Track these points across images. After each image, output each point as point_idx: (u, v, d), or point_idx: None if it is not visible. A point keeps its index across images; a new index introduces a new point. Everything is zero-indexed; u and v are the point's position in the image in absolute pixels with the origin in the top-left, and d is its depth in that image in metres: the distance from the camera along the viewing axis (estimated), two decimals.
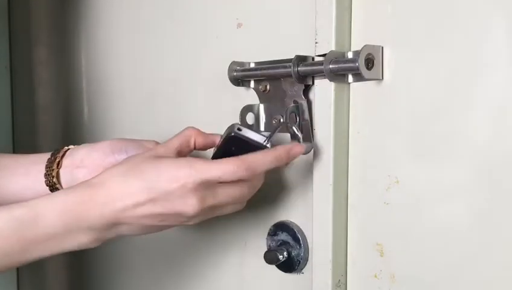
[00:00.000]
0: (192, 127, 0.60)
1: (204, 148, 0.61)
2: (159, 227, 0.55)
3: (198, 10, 0.75)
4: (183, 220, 0.54)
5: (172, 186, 0.51)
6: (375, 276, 0.57)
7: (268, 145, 0.56)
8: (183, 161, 0.53)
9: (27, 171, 0.64)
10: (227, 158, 0.53)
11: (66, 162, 0.64)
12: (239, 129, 0.56)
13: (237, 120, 0.67)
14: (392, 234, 0.56)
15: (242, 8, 0.69)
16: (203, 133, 0.61)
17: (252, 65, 0.66)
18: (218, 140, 0.59)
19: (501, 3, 0.47)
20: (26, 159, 0.66)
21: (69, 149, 0.65)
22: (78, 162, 0.63)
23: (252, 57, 0.67)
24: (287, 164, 0.59)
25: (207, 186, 0.52)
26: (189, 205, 0.52)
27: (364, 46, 0.53)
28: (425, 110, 0.53)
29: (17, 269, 1.07)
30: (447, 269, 0.52)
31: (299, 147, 0.56)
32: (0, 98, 1.07)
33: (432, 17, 0.52)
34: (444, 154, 0.51)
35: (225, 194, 0.54)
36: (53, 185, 0.63)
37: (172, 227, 0.56)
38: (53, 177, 0.63)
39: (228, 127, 0.58)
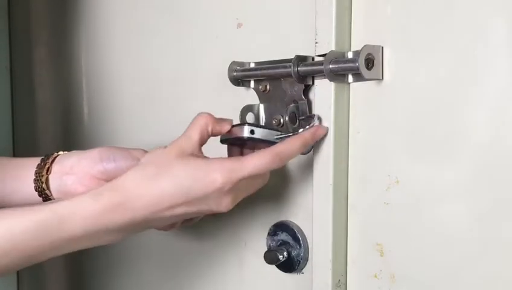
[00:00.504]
0: (207, 114, 0.60)
1: (219, 134, 0.61)
2: (189, 217, 0.57)
3: (198, 10, 0.75)
4: (215, 211, 0.55)
5: (208, 190, 0.52)
6: (375, 276, 0.57)
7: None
8: (216, 163, 0.53)
9: (16, 175, 0.64)
10: (257, 152, 0.54)
11: (55, 168, 0.64)
12: (252, 132, 0.58)
13: (237, 120, 0.67)
14: (392, 234, 0.56)
15: (242, 8, 0.69)
16: (218, 120, 0.60)
17: (252, 65, 0.66)
18: (229, 125, 0.60)
19: (501, 3, 0.47)
20: (16, 162, 0.66)
21: (58, 155, 0.65)
22: (68, 169, 0.63)
23: (252, 57, 0.67)
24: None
25: (241, 183, 0.53)
26: (224, 205, 0.54)
27: (364, 46, 0.53)
28: (425, 110, 0.53)
29: None
30: (447, 269, 0.52)
31: (322, 129, 0.57)
32: (0, 98, 1.07)
33: (431, 17, 0.52)
34: (444, 154, 0.51)
35: (255, 184, 0.57)
36: (42, 191, 0.63)
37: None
38: (42, 182, 0.63)
39: (239, 124, 0.59)
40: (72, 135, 0.97)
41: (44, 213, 0.51)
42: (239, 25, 0.70)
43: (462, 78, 0.50)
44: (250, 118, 0.67)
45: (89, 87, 0.95)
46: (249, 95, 0.68)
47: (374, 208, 0.57)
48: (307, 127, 0.57)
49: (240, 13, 0.69)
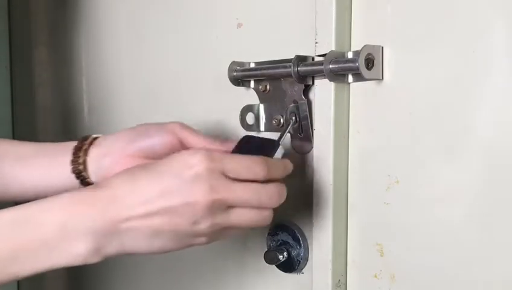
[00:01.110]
0: (179, 125, 0.57)
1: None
2: (167, 236, 0.49)
3: (198, 10, 0.75)
4: (194, 220, 0.47)
5: (182, 172, 0.47)
6: (375, 276, 0.57)
7: (281, 142, 0.55)
8: (199, 149, 0.49)
9: (49, 160, 0.62)
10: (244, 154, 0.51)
11: (93, 150, 0.61)
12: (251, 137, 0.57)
13: (237, 120, 0.67)
14: (392, 234, 0.56)
15: (242, 8, 0.69)
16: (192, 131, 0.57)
17: (252, 65, 0.66)
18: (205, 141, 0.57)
19: (501, 2, 0.47)
20: (48, 147, 0.64)
21: (97, 138, 0.62)
22: (106, 150, 0.60)
23: (252, 57, 0.67)
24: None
25: (220, 176, 0.48)
26: (198, 193, 0.47)
27: (364, 46, 0.53)
28: (425, 110, 0.53)
29: None
30: (447, 269, 0.52)
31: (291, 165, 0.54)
32: (0, 98, 1.07)
33: (431, 17, 0.52)
34: (444, 155, 0.51)
35: (242, 188, 0.48)
36: (79, 173, 0.60)
37: (184, 241, 0.50)
38: (80, 164, 0.60)
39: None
40: (72, 135, 0.97)
41: (16, 210, 0.47)
42: (239, 25, 0.70)
43: (462, 78, 0.50)
44: (250, 118, 0.67)
45: (89, 87, 0.95)
46: (249, 95, 0.68)
47: (374, 208, 0.57)
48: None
49: (240, 13, 0.69)
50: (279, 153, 0.55)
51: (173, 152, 0.54)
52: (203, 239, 0.50)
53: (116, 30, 0.89)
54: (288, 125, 0.60)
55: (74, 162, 0.60)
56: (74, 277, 1.03)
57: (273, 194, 0.50)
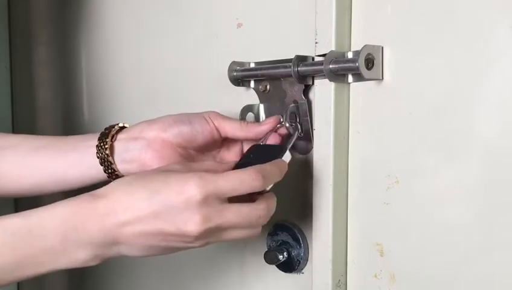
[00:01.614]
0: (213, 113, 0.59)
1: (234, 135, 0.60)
2: (161, 249, 0.50)
3: (199, 10, 0.75)
4: (186, 241, 0.49)
5: (176, 199, 0.47)
6: (375, 276, 0.57)
7: (288, 147, 0.56)
8: (193, 173, 0.49)
9: (73, 148, 0.61)
10: (237, 169, 0.51)
11: (121, 135, 0.60)
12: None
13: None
14: (392, 234, 0.56)
15: (242, 8, 0.69)
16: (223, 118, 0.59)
17: (252, 65, 0.66)
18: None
19: (501, 2, 0.47)
20: (70, 137, 0.64)
21: (124, 127, 0.62)
22: (137, 133, 0.59)
23: (252, 57, 0.67)
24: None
25: (213, 202, 0.48)
26: (192, 223, 0.47)
27: (364, 46, 0.53)
28: (425, 110, 0.53)
29: None
30: (447, 269, 0.52)
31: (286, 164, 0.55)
32: (0, 98, 1.07)
33: (432, 16, 0.52)
34: (444, 154, 0.51)
35: (234, 213, 0.49)
36: (104, 158, 0.59)
37: (176, 250, 0.52)
38: (106, 149, 0.59)
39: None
40: (72, 135, 0.97)
41: (18, 219, 0.48)
42: (239, 25, 0.70)
43: (463, 78, 0.50)
44: (250, 118, 0.67)
45: (89, 87, 0.95)
46: (249, 95, 0.68)
47: (374, 208, 0.57)
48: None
49: (240, 13, 0.69)
50: (286, 157, 0.56)
51: (213, 140, 0.59)
52: (198, 247, 0.51)
53: (116, 30, 0.89)
54: (295, 132, 0.60)
55: (100, 147, 0.59)
56: (75, 276, 1.03)
57: (263, 214, 0.51)
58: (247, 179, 0.49)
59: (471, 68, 0.49)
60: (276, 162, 0.53)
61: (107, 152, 0.59)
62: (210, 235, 0.49)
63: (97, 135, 0.61)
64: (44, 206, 0.49)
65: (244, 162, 0.55)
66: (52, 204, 0.49)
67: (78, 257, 0.49)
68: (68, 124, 0.99)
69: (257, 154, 0.57)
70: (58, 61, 1.00)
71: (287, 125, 0.61)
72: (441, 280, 0.53)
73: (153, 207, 0.48)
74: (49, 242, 0.48)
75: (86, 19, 0.93)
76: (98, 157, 0.59)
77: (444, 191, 0.52)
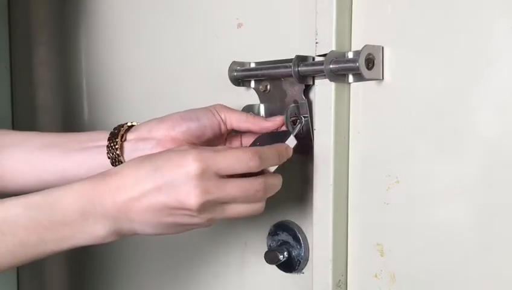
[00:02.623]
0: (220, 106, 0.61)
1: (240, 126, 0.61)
2: (169, 225, 0.52)
3: (198, 10, 0.75)
4: (189, 215, 0.51)
5: (176, 172, 0.49)
6: (376, 276, 0.57)
7: (293, 134, 0.57)
8: (193, 149, 0.51)
9: (82, 147, 0.62)
10: (238, 148, 0.53)
11: (130, 135, 0.61)
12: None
13: None
14: (392, 234, 0.56)
15: (242, 8, 0.69)
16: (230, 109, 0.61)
17: (252, 65, 0.66)
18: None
19: (501, 2, 0.47)
20: (77, 135, 0.64)
21: (133, 125, 0.63)
22: (146, 133, 0.61)
23: (252, 57, 0.67)
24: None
25: (212, 176, 0.50)
26: (191, 195, 0.49)
27: (365, 46, 0.53)
28: (425, 110, 0.53)
29: (17, 268, 1.07)
30: (447, 269, 0.52)
31: (290, 150, 0.56)
32: (0, 98, 1.07)
33: (432, 16, 0.52)
34: (444, 154, 0.51)
35: (232, 186, 0.51)
36: (116, 158, 0.60)
37: (185, 228, 0.53)
38: (116, 149, 0.60)
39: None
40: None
41: (40, 196, 0.51)
42: (239, 25, 0.70)
43: (463, 78, 0.50)
44: None
45: (89, 87, 0.95)
46: (249, 95, 0.68)
47: (374, 208, 0.57)
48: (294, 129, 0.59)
49: (240, 13, 0.69)
50: (292, 143, 0.57)
51: (220, 133, 0.60)
52: (204, 224, 0.53)
53: (116, 30, 0.89)
54: (301, 121, 0.60)
55: (110, 147, 0.61)
56: (75, 276, 1.03)
57: (261, 188, 0.52)
58: (244, 158, 0.51)
59: (471, 68, 0.49)
60: (276, 146, 0.55)
61: (117, 152, 0.60)
62: (211, 209, 0.51)
63: (105, 134, 0.62)
64: (63, 185, 0.52)
65: (252, 144, 0.59)
66: (71, 183, 0.52)
67: (96, 232, 0.51)
68: (68, 124, 0.99)
69: (263, 140, 0.59)
70: (58, 61, 1.00)
71: (290, 121, 0.61)
72: (440, 279, 0.53)
73: (156, 182, 0.50)
74: (69, 217, 0.50)
75: (86, 19, 0.93)
76: (108, 158, 0.61)
77: (444, 191, 0.52)
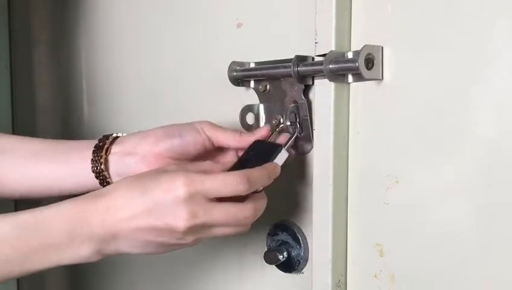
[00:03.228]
0: (206, 123, 0.60)
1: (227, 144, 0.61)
2: (157, 245, 0.53)
3: (198, 10, 0.75)
4: (177, 237, 0.52)
5: (165, 196, 0.51)
6: (375, 276, 0.57)
7: (284, 148, 0.57)
8: (181, 173, 0.52)
9: (67, 158, 0.62)
10: (226, 172, 0.53)
11: (115, 148, 0.62)
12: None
13: (237, 120, 0.67)
14: (392, 234, 0.56)
15: (242, 8, 0.69)
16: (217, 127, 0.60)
17: (252, 65, 0.66)
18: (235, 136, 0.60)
19: (501, 2, 0.47)
20: (65, 145, 0.64)
21: (118, 137, 0.63)
22: (130, 148, 0.61)
23: (252, 57, 0.67)
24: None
25: (200, 200, 0.51)
26: (179, 219, 0.50)
27: (364, 46, 0.53)
28: (425, 110, 0.52)
29: None
30: (447, 269, 0.52)
31: (278, 168, 0.56)
32: (0, 98, 1.07)
33: (432, 16, 0.52)
34: (444, 154, 0.51)
35: (221, 212, 0.52)
36: (100, 172, 0.61)
37: (171, 248, 0.54)
38: (101, 163, 0.60)
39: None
40: (72, 135, 0.97)
41: (29, 214, 0.51)
42: (239, 25, 0.70)
43: (463, 78, 0.50)
44: (250, 118, 0.67)
45: (89, 87, 0.95)
46: (249, 95, 0.68)
47: (374, 208, 0.57)
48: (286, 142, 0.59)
49: (240, 13, 0.69)
50: (283, 157, 0.57)
51: (206, 150, 0.60)
52: (189, 244, 0.54)
53: (116, 30, 0.89)
54: (294, 132, 0.61)
55: (95, 161, 0.61)
56: (74, 277, 1.03)
57: (250, 214, 0.53)
58: (232, 182, 0.51)
59: (471, 68, 0.49)
60: (266, 167, 0.55)
61: (102, 167, 0.61)
62: (198, 231, 0.52)
63: (91, 145, 0.62)
64: (53, 204, 0.52)
65: (243, 158, 0.58)
66: (61, 202, 0.53)
67: (81, 252, 0.52)
68: (68, 124, 0.99)
69: (257, 151, 0.58)
70: (58, 61, 1.00)
71: (288, 123, 0.61)
72: (440, 280, 0.53)
73: (145, 205, 0.51)
74: (56, 238, 0.51)
75: (86, 19, 0.93)
76: (93, 172, 0.61)
77: (443, 191, 0.52)
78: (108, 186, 0.54)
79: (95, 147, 0.62)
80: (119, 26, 0.88)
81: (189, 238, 0.52)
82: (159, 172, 0.54)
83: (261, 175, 0.54)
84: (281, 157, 0.57)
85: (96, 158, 0.61)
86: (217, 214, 0.51)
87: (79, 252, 0.52)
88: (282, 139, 0.61)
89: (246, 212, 0.53)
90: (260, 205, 0.54)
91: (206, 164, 0.56)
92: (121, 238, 0.52)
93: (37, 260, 0.51)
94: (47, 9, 1.01)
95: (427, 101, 0.52)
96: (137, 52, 0.85)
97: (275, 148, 0.57)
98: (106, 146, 0.61)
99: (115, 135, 0.64)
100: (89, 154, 0.61)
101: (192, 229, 0.51)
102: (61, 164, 0.62)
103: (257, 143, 0.60)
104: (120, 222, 0.51)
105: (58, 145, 0.64)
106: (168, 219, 0.51)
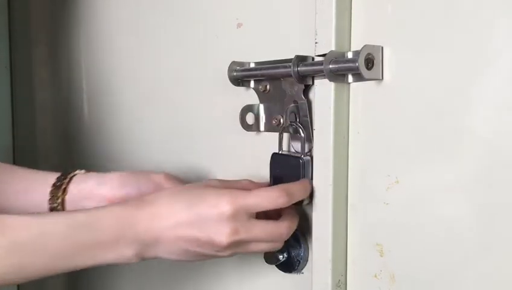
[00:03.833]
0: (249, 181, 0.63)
1: None
2: (194, 254, 0.56)
3: (198, 10, 0.75)
4: (216, 250, 0.55)
5: (211, 211, 0.54)
6: (375, 276, 0.57)
7: (305, 158, 0.60)
8: (226, 190, 0.56)
9: (27, 189, 0.65)
10: (266, 187, 0.57)
11: (73, 189, 0.65)
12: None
13: (237, 120, 0.67)
14: (392, 234, 0.56)
15: (242, 8, 0.69)
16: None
17: (252, 65, 0.66)
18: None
19: (501, 2, 0.47)
20: (27, 175, 0.67)
21: (75, 175, 0.66)
22: (87, 193, 0.64)
23: (252, 57, 0.67)
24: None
25: (242, 217, 0.54)
26: (222, 234, 0.54)
27: (364, 46, 0.53)
28: (425, 110, 0.52)
29: None
30: (447, 269, 0.52)
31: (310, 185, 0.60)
32: (0, 98, 1.07)
33: (432, 16, 0.52)
34: (444, 154, 0.51)
35: (260, 229, 0.56)
36: (57, 210, 0.64)
37: (206, 258, 0.57)
38: (58, 204, 0.64)
39: None
40: (72, 135, 0.97)
41: (85, 214, 0.54)
42: (239, 25, 0.70)
43: (463, 78, 0.50)
44: (250, 118, 0.67)
45: (89, 87, 0.95)
46: (249, 95, 0.68)
47: (374, 208, 0.57)
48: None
49: (240, 13, 0.69)
50: (308, 165, 0.60)
51: None
52: (225, 257, 0.57)
53: (116, 30, 0.89)
54: (311, 148, 0.61)
55: (52, 201, 0.64)
56: (74, 276, 1.03)
57: (285, 231, 0.57)
58: (273, 196, 0.55)
59: (471, 68, 0.49)
60: (302, 182, 0.59)
61: (59, 208, 0.64)
62: (237, 246, 0.56)
63: (50, 183, 0.65)
64: (104, 206, 0.57)
65: (273, 175, 0.63)
66: (112, 204, 0.58)
67: (124, 253, 0.54)
68: (68, 124, 0.99)
69: (281, 165, 0.63)
70: (58, 61, 1.00)
71: (289, 123, 0.61)
72: (440, 280, 0.53)
73: (190, 217, 0.55)
74: (104, 237, 0.54)
75: (86, 19, 0.93)
76: (50, 210, 0.64)
77: (443, 191, 0.52)
78: (151, 195, 0.57)
79: (52, 186, 0.65)
80: (119, 26, 0.88)
81: (228, 252, 0.56)
82: (201, 187, 0.58)
83: (299, 189, 0.58)
84: (307, 166, 0.60)
85: (54, 199, 0.64)
86: (256, 231, 0.55)
87: (122, 253, 0.54)
88: (296, 146, 0.63)
89: (281, 229, 0.57)
90: (293, 223, 0.59)
91: (245, 182, 0.61)
92: (162, 244, 0.55)
93: (83, 257, 0.53)
94: (47, 9, 1.01)
95: (427, 101, 0.52)
96: (137, 52, 0.85)
97: (298, 164, 0.60)
98: (63, 186, 0.64)
99: (72, 173, 0.66)
100: (46, 192, 0.64)
101: (232, 245, 0.55)
102: (21, 194, 0.65)
103: (275, 156, 0.63)
104: (164, 229, 0.54)
105: (18, 174, 0.67)
106: (211, 232, 0.54)
